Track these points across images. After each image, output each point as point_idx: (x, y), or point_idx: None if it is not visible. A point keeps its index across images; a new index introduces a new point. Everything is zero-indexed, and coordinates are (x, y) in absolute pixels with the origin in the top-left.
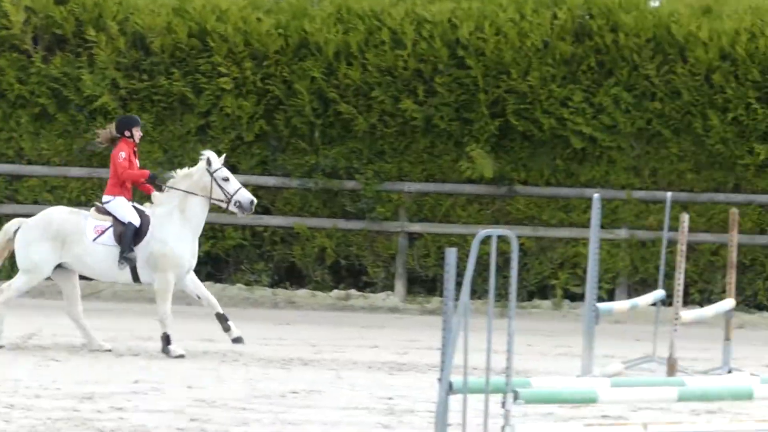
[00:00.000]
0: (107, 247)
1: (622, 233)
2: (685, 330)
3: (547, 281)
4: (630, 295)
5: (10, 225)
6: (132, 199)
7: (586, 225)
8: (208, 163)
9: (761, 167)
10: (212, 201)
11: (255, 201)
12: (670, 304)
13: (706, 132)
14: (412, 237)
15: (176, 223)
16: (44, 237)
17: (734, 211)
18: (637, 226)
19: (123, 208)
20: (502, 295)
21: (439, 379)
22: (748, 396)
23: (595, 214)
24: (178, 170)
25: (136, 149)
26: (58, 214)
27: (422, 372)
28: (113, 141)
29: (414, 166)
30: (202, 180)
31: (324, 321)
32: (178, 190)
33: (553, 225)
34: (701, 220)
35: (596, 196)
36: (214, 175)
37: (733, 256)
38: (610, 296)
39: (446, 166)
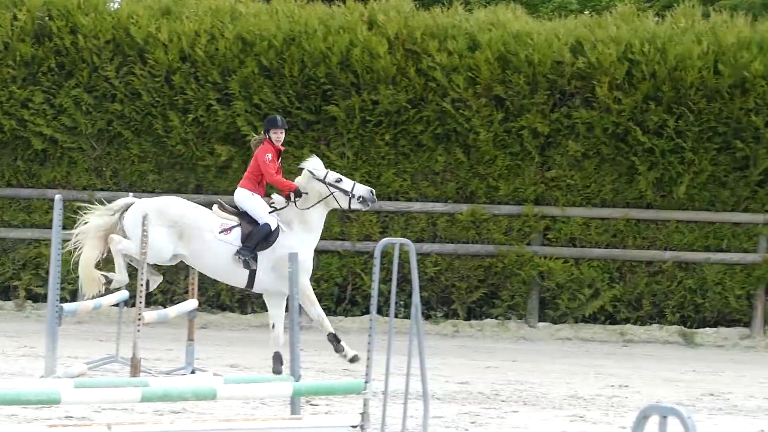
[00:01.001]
0: (232, 247)
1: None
2: (149, 330)
3: (10, 282)
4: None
5: (118, 203)
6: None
7: (48, 226)
8: (312, 174)
9: (222, 168)
10: (336, 205)
11: (374, 190)
12: (134, 305)
13: (167, 133)
14: None
15: (299, 230)
16: (159, 223)
17: None
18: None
19: (261, 207)
20: None
21: None
22: (212, 396)
23: (57, 215)
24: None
25: (281, 152)
26: (176, 205)
27: None
28: (261, 143)
29: None
30: (315, 189)
31: None
32: (305, 208)
33: (15, 226)
34: None
35: (58, 197)
36: (326, 180)
37: None
38: (73, 297)
39: None
